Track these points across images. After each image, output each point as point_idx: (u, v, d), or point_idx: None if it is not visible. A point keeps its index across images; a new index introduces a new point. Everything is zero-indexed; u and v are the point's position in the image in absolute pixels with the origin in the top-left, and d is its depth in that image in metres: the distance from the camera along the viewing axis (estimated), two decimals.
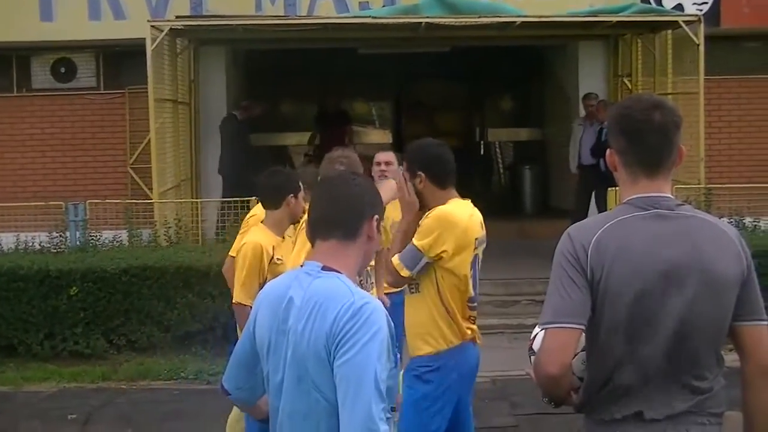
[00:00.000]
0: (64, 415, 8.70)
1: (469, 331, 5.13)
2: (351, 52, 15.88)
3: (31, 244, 11.58)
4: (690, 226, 3.24)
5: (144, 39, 11.82)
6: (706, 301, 3.18)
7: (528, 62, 17.15)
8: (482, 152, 17.71)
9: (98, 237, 11.57)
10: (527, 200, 17.18)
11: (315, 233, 3.29)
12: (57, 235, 11.61)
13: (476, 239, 5.13)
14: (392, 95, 18.21)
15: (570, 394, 3.34)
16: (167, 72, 12.70)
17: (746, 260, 3.26)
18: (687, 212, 3.30)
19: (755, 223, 11.86)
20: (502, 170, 18.77)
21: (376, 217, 3.29)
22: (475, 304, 5.24)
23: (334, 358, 3.02)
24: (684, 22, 12.39)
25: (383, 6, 14.13)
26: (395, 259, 5.03)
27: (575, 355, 3.31)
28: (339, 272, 3.18)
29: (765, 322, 3.30)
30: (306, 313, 3.10)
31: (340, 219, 3.26)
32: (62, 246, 11.48)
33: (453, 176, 5.22)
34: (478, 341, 5.24)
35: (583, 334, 3.25)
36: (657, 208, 3.23)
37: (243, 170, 14.70)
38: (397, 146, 17.80)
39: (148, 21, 12.05)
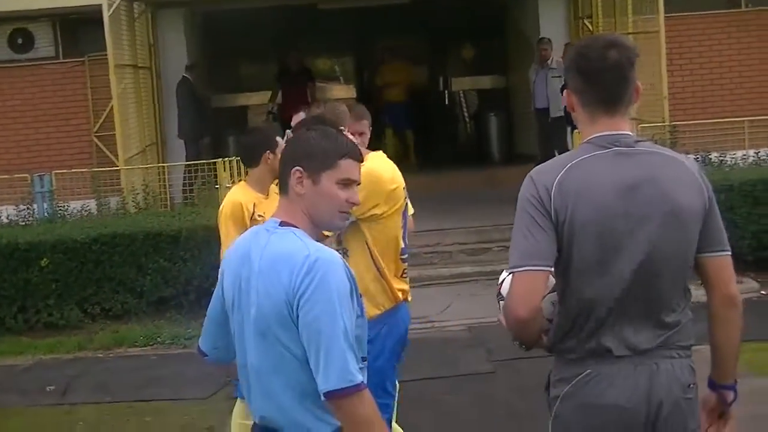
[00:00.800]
0: (42, 387, 8.68)
1: (400, 293, 5.06)
2: (312, 9, 15.79)
3: None
4: (651, 162, 3.25)
5: (100, 5, 11.69)
6: (671, 236, 3.20)
7: (489, 10, 17.09)
8: (447, 102, 17.64)
9: (66, 207, 11.50)
10: (494, 148, 17.16)
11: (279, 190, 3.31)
12: (24, 207, 11.52)
13: (404, 189, 5.13)
14: (354, 50, 18.12)
15: (541, 336, 3.36)
16: (126, 37, 12.60)
17: (707, 192, 3.27)
18: (647, 148, 3.30)
19: (721, 158, 11.94)
20: (467, 119, 18.76)
21: (297, 169, 3.19)
22: (406, 255, 5.20)
23: (297, 315, 3.02)
24: None
25: None
26: None
27: (544, 297, 3.33)
28: (295, 227, 3.17)
29: (727, 253, 3.32)
30: (264, 270, 3.10)
31: (280, 175, 3.28)
32: (30, 218, 11.40)
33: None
34: (408, 300, 5.19)
35: (551, 276, 3.27)
36: (617, 146, 3.24)
37: (202, 132, 14.71)
38: (362, 100, 17.80)
39: None
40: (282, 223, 3.18)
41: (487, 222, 12.42)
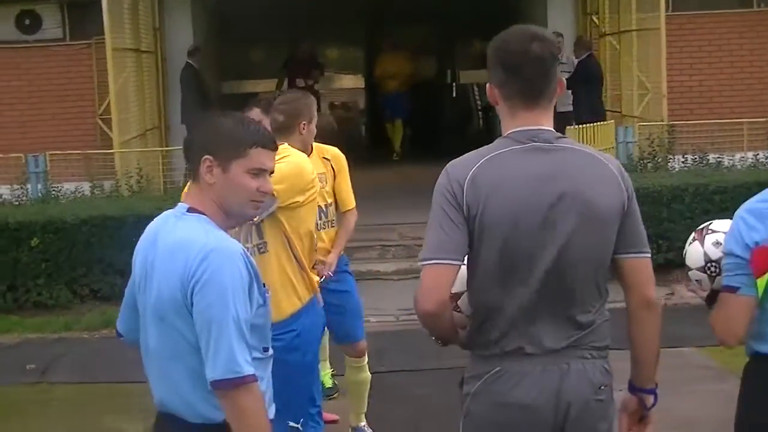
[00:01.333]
0: (23, 365, 8.73)
1: (315, 282, 5.06)
2: None
3: None
4: (569, 159, 3.21)
5: None
6: (586, 235, 3.17)
7: (499, 3, 17.02)
8: (454, 94, 17.58)
9: (60, 188, 11.54)
10: None
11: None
12: (18, 187, 11.58)
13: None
14: (363, 39, 18.07)
15: (456, 331, 3.34)
16: (128, 21, 12.58)
17: (627, 192, 3.24)
18: (566, 144, 3.26)
19: (719, 159, 11.86)
20: (479, 112, 18.65)
21: (207, 157, 3.18)
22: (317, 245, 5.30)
23: (192, 303, 3.05)
24: None
25: None
26: None
27: (464, 292, 3.32)
28: (202, 214, 3.17)
29: (646, 255, 3.29)
30: (165, 255, 3.13)
31: (190, 162, 3.26)
32: (24, 198, 11.45)
33: None
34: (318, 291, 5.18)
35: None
36: (535, 141, 3.20)
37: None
38: (370, 90, 17.79)
39: None
40: (190, 209, 3.19)
41: None
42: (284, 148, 4.81)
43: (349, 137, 17.89)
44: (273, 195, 3.83)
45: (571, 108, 13.13)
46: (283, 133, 5.20)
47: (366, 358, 6.52)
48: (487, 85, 3.32)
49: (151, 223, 3.34)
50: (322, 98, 16.69)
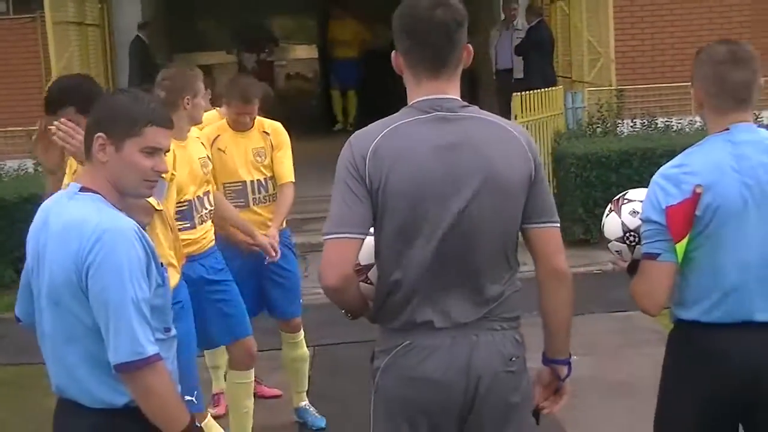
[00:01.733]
0: None
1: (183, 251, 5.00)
2: None
3: None
4: (473, 128, 3.15)
5: None
6: (489, 204, 3.11)
7: None
8: None
9: (2, 167, 11.36)
10: None
11: None
12: None
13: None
14: (315, 8, 17.85)
15: (366, 304, 3.28)
16: None
17: (534, 162, 3.18)
18: (472, 114, 3.19)
19: (667, 123, 11.84)
20: None
21: (99, 135, 3.10)
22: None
23: (87, 286, 2.96)
24: None
25: None
26: None
27: (374, 264, 3.25)
28: (96, 193, 3.09)
29: (554, 224, 3.24)
30: (56, 237, 3.04)
31: (85, 140, 3.19)
32: None
33: None
34: None
35: None
36: (439, 111, 3.13)
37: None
38: (322, 61, 17.61)
39: None
40: (82, 189, 3.10)
41: None
42: None
43: (309, 107, 17.74)
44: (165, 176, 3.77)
45: (521, 75, 13.04)
46: (168, 110, 5.08)
47: (302, 334, 6.44)
48: (392, 53, 3.22)
49: (43, 203, 3.25)
50: (279, 70, 16.51)
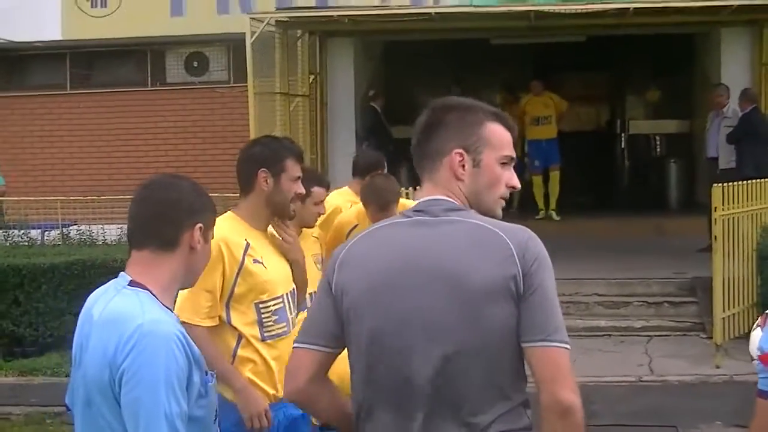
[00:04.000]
0: None
1: None
2: (485, 43, 15.54)
3: None
4: (447, 231, 2.82)
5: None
6: (459, 317, 2.72)
7: (670, 50, 16.35)
8: (623, 145, 16.95)
9: None
10: (671, 195, 16.44)
11: (130, 242, 3.04)
12: None
13: None
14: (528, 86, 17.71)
15: (345, 417, 2.97)
16: (278, 65, 12.61)
17: (521, 267, 2.72)
18: (455, 218, 2.84)
19: None
20: (648, 164, 17.86)
21: (199, 225, 2.97)
22: None
23: (119, 391, 2.76)
24: None
25: None
26: None
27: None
28: (145, 288, 2.89)
29: (553, 344, 2.72)
30: (97, 334, 2.85)
31: (154, 227, 2.96)
32: None
33: None
34: None
35: None
36: (420, 215, 2.87)
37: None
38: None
39: (248, 14, 12.06)
40: (131, 282, 2.92)
41: (636, 274, 11.80)
42: None
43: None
44: None
45: (733, 165, 12.32)
46: None
47: None
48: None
49: (93, 293, 3.06)
50: None
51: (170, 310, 2.95)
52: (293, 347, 2.95)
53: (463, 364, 2.72)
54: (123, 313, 2.82)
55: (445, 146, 2.90)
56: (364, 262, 2.85)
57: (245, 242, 4.30)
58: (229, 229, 4.27)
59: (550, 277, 2.77)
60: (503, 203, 2.97)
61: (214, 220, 3.12)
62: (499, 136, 2.92)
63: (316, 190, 5.36)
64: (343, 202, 6.00)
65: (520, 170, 14.57)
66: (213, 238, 3.12)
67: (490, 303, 2.72)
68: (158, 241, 2.95)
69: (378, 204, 5.88)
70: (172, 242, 2.95)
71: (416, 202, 2.95)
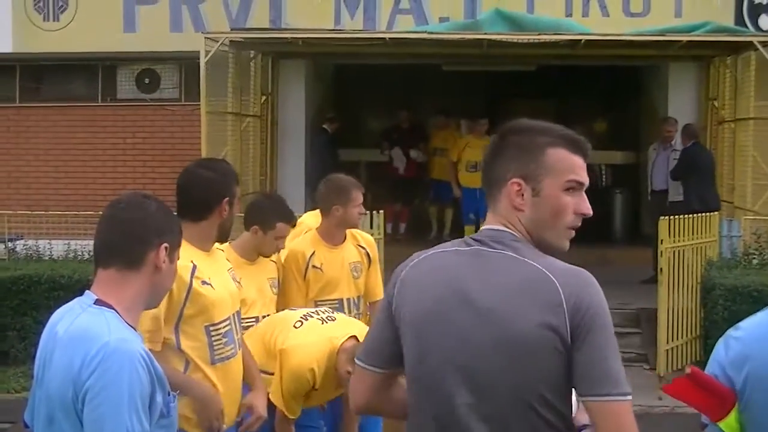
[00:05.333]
0: None
1: None
2: (437, 69, 15.63)
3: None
4: (501, 268, 2.73)
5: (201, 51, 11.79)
6: (498, 362, 2.65)
7: (618, 82, 16.57)
8: None
9: None
10: (616, 226, 16.59)
11: (96, 260, 3.05)
12: None
13: None
14: (479, 113, 17.82)
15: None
16: (231, 84, 12.59)
17: (569, 318, 2.63)
18: (509, 252, 2.75)
19: None
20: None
21: (165, 245, 3.00)
22: None
23: (82, 409, 2.76)
24: (761, 42, 11.66)
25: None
26: None
27: None
28: (110, 307, 2.90)
29: (616, 399, 2.64)
30: (62, 351, 2.84)
31: (120, 245, 2.99)
32: None
33: None
34: None
35: None
36: (480, 245, 2.80)
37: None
38: None
39: (203, 33, 12.04)
40: (97, 301, 2.93)
41: None
42: None
43: None
44: None
45: (681, 198, 12.51)
46: None
47: None
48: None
49: (57, 311, 3.07)
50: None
51: (134, 329, 2.96)
52: (356, 361, 2.98)
53: (504, 405, 2.67)
54: (89, 330, 2.82)
55: (504, 174, 2.80)
56: (420, 287, 2.81)
57: (192, 264, 4.28)
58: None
59: (605, 326, 2.67)
60: (572, 234, 2.84)
61: (180, 240, 3.14)
62: (562, 162, 2.78)
63: (280, 225, 5.44)
64: (316, 224, 6.03)
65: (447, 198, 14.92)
66: (179, 259, 3.15)
67: (530, 354, 2.65)
68: (124, 259, 2.98)
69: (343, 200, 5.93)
70: (138, 261, 2.98)
71: (483, 228, 2.87)
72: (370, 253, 6.10)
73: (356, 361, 2.98)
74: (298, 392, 4.93)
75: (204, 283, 4.31)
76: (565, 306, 2.64)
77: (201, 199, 4.39)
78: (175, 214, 3.85)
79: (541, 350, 2.64)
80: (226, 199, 4.39)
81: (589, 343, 2.64)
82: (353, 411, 3.08)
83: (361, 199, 5.98)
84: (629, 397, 2.65)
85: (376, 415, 3.11)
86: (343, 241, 6.00)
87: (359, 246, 6.08)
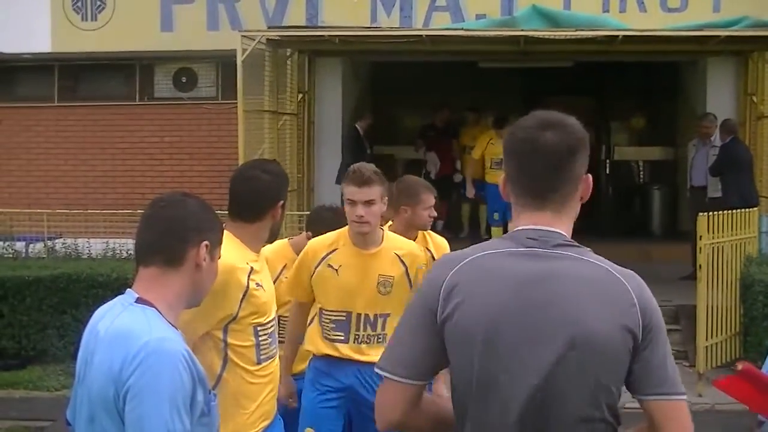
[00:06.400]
0: None
1: None
2: (473, 66, 15.59)
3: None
4: (563, 270, 2.65)
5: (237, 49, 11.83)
6: (572, 365, 2.59)
7: (656, 78, 16.45)
8: (608, 171, 17.00)
9: None
10: (655, 222, 16.53)
11: (137, 258, 3.07)
12: None
13: None
14: (515, 110, 17.77)
15: (444, 424, 2.86)
16: (268, 82, 12.63)
17: (642, 319, 2.61)
18: (569, 253, 2.70)
19: None
20: (632, 191, 17.90)
21: (206, 243, 3.02)
22: None
23: (123, 408, 2.77)
24: None
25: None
26: None
27: None
28: (151, 305, 2.92)
29: (675, 397, 2.65)
30: (103, 350, 2.86)
31: (160, 244, 3.00)
32: None
33: None
34: None
35: None
36: (534, 246, 2.69)
37: None
38: None
39: (239, 31, 12.08)
40: (138, 300, 2.94)
41: None
42: None
43: None
44: None
45: (720, 194, 12.40)
46: None
47: None
48: (500, 178, 2.87)
49: (98, 309, 3.09)
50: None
51: (175, 327, 2.97)
52: (384, 376, 2.79)
53: (568, 411, 2.62)
54: (130, 329, 2.84)
55: (581, 171, 2.75)
56: (479, 295, 2.67)
57: (249, 266, 4.31)
58: (235, 255, 4.23)
59: (663, 327, 2.68)
60: None
61: (221, 238, 3.15)
62: None
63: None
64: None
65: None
66: (219, 257, 3.15)
67: (609, 354, 2.61)
68: (164, 257, 2.99)
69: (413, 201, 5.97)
70: (178, 259, 2.99)
71: (522, 228, 2.75)
72: (435, 256, 5.87)
73: (384, 374, 2.79)
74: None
75: (258, 285, 4.34)
76: (637, 306, 2.62)
77: (256, 201, 4.40)
78: (224, 213, 3.95)
79: (620, 352, 2.62)
80: (281, 202, 4.42)
81: (655, 343, 2.64)
82: (382, 427, 2.84)
83: (431, 201, 5.96)
84: (686, 396, 2.68)
85: (408, 429, 2.89)
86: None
87: (426, 249, 5.93)
